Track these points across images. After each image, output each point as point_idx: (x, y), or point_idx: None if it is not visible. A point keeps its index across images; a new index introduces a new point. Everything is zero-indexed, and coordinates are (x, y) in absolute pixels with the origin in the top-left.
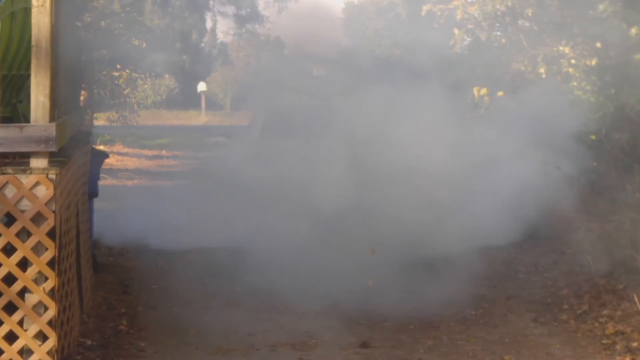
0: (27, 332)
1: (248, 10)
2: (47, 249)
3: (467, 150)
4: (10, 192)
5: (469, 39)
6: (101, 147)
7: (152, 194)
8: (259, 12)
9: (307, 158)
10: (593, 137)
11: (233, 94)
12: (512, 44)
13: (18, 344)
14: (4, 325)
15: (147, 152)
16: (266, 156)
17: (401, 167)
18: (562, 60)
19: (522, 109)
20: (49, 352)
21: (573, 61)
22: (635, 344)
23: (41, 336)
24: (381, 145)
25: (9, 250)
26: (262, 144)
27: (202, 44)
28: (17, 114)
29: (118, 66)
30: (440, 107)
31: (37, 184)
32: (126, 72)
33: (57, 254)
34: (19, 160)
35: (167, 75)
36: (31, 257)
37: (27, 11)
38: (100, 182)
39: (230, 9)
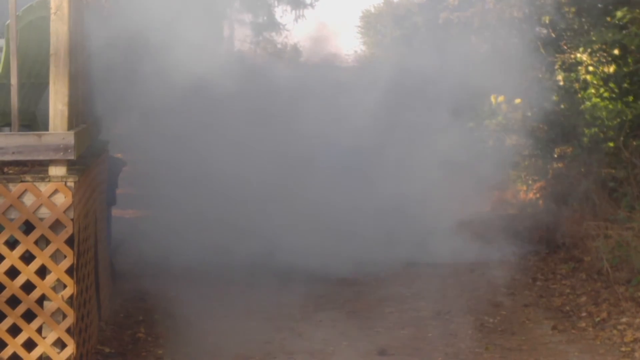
0: (46, 339)
1: (265, 18)
2: (65, 257)
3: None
4: (28, 200)
5: (486, 46)
6: (119, 155)
7: (170, 203)
8: (276, 20)
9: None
10: (611, 144)
11: None
12: (529, 51)
13: (37, 352)
14: (22, 333)
15: None
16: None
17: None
18: (579, 67)
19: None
20: None
21: (591, 68)
22: None
23: (60, 344)
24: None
25: (28, 258)
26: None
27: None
28: (36, 122)
29: None
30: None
31: (55, 191)
32: None
33: (75, 262)
34: (37, 168)
35: None
36: (50, 264)
37: (45, 19)
38: (118, 190)
39: (247, 17)
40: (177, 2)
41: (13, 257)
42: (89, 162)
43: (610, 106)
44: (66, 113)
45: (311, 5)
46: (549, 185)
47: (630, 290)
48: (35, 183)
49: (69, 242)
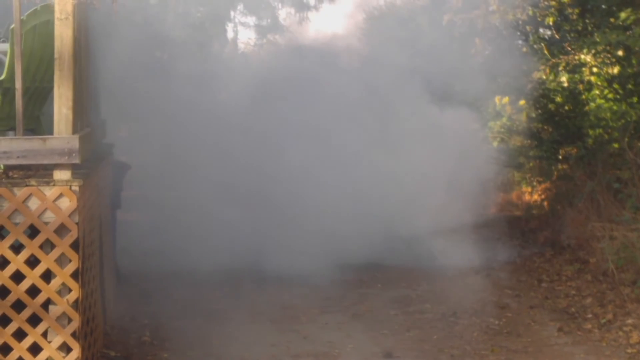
0: (51, 343)
1: (269, 20)
2: (70, 261)
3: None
4: (33, 204)
5: (490, 48)
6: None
7: (175, 206)
8: (280, 22)
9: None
10: (616, 145)
11: None
12: (533, 52)
13: (42, 356)
14: (28, 337)
15: None
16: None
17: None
18: (583, 69)
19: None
20: None
21: (595, 69)
22: None
23: (65, 348)
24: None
25: (33, 262)
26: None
27: (223, 55)
28: (40, 126)
29: None
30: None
31: (60, 195)
32: None
33: (80, 266)
34: (42, 172)
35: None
36: (55, 268)
37: (49, 23)
38: (123, 194)
39: (251, 20)
40: (183, 5)
41: (18, 262)
42: (94, 165)
43: (615, 107)
44: (71, 117)
45: (315, 7)
46: (553, 186)
47: (635, 292)
48: (40, 187)
49: (74, 246)
